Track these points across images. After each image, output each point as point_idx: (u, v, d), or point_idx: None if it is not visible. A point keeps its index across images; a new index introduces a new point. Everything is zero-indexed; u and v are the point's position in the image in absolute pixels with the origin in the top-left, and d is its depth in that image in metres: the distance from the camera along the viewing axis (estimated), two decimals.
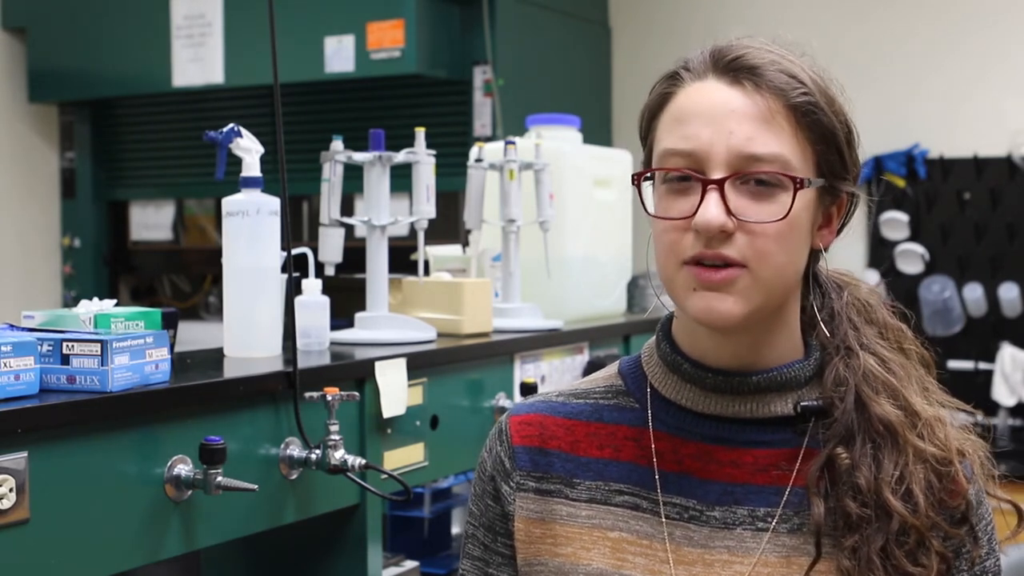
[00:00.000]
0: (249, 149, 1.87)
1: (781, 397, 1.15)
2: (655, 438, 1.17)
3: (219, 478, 1.53)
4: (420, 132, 2.15)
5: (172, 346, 1.69)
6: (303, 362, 1.76)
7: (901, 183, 4.17)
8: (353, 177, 2.14)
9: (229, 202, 1.84)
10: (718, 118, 1.08)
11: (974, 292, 4.06)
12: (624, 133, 4.49)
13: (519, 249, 2.41)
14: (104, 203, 4.70)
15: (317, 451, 1.73)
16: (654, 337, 1.22)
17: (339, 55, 3.77)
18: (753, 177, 1.08)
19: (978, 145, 4.09)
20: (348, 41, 3.76)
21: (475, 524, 1.24)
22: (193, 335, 2.17)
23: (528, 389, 2.18)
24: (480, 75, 3.87)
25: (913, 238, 4.18)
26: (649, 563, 1.13)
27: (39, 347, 1.43)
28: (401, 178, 2.20)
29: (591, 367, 2.48)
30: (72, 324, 1.57)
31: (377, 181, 2.10)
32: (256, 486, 1.57)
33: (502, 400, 2.23)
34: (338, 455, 1.72)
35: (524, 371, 2.32)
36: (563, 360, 2.46)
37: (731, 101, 1.09)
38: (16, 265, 4.59)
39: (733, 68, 1.10)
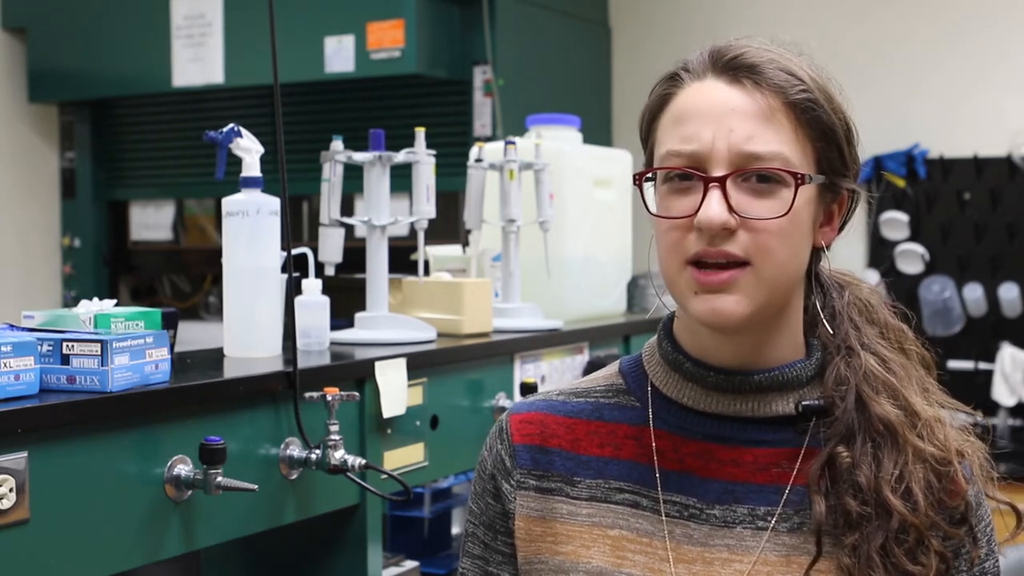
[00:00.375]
0: (249, 149, 1.87)
1: (782, 396, 1.15)
2: (656, 436, 1.17)
3: (219, 478, 1.53)
4: (420, 132, 2.15)
5: (172, 346, 1.69)
6: (303, 362, 1.76)
7: (901, 183, 4.17)
8: (353, 177, 2.14)
9: (229, 202, 1.84)
10: (718, 117, 1.09)
11: (974, 292, 4.06)
12: (624, 133, 4.49)
13: (519, 249, 2.42)
14: (104, 203, 4.70)
15: (317, 451, 1.73)
16: (655, 336, 1.22)
17: (339, 55, 3.77)
18: (754, 174, 1.08)
19: (978, 145, 4.10)
20: (348, 41, 3.76)
21: (475, 522, 1.24)
22: (193, 335, 2.17)
23: (528, 389, 2.18)
24: (480, 75, 3.87)
25: (913, 238, 4.18)
26: (649, 561, 1.13)
27: (39, 347, 1.43)
28: (401, 178, 2.20)
29: (591, 367, 2.48)
30: (72, 324, 1.57)
31: (377, 181, 2.10)
32: (256, 486, 1.57)
33: (502, 400, 2.23)
34: (338, 455, 1.72)
35: (524, 371, 2.32)
36: (563, 360, 2.46)
37: (731, 100, 1.09)
38: (16, 265, 4.59)
39: (732, 67, 1.10)
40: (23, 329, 1.51)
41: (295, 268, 1.80)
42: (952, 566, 1.12)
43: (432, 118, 3.66)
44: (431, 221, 2.14)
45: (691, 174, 1.09)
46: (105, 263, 4.70)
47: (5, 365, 1.36)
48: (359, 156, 2.09)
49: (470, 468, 2.20)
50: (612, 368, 1.25)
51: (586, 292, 2.69)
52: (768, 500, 1.13)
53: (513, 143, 2.39)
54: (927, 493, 1.10)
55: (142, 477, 1.50)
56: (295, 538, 1.90)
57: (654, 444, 1.17)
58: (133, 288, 4.80)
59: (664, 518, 1.14)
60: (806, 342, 1.19)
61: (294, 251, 1.81)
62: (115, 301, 1.67)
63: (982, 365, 4.06)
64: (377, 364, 1.88)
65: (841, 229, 1.18)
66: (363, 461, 1.75)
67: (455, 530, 2.77)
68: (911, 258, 4.17)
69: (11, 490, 1.32)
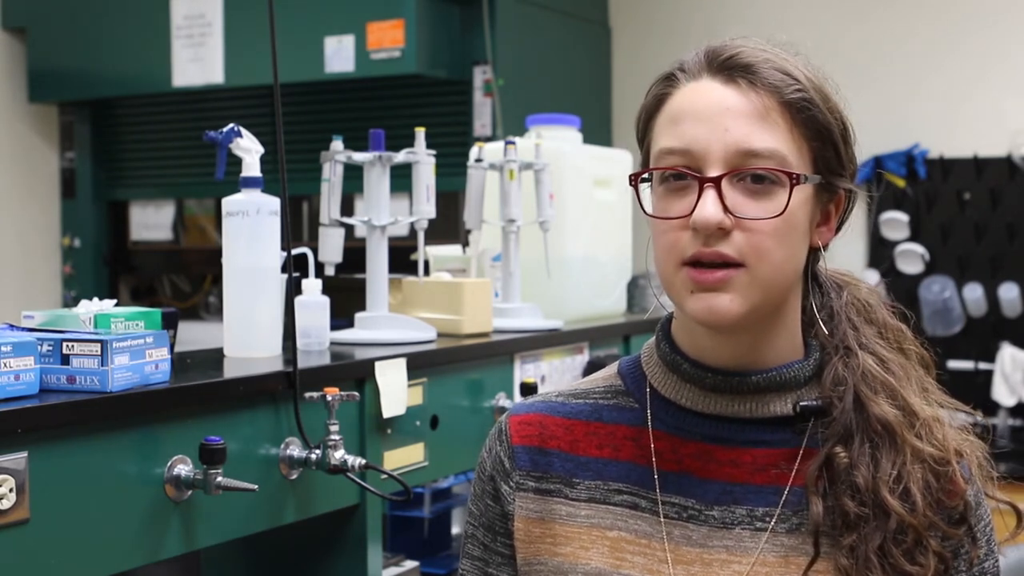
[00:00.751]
0: (249, 149, 1.87)
1: (780, 397, 1.15)
2: (654, 438, 1.17)
3: (219, 478, 1.53)
4: (420, 132, 2.15)
5: (172, 346, 1.69)
6: (303, 362, 1.76)
7: (901, 183, 4.17)
8: (353, 177, 2.14)
9: (229, 202, 1.84)
10: (713, 116, 1.09)
11: (974, 292, 4.06)
12: (624, 133, 4.49)
13: (519, 249, 2.42)
14: (104, 203, 4.70)
15: (317, 451, 1.73)
16: (654, 337, 1.22)
17: (339, 55, 3.77)
18: (749, 174, 1.08)
19: (978, 145, 4.10)
20: (348, 41, 3.76)
21: (475, 524, 1.24)
22: (193, 335, 2.17)
23: (528, 389, 2.18)
24: (480, 75, 3.87)
25: (913, 238, 4.18)
26: (648, 562, 1.13)
27: (39, 347, 1.43)
28: (401, 178, 2.20)
29: (591, 367, 2.48)
30: (72, 324, 1.57)
31: (377, 181, 2.10)
32: (256, 486, 1.57)
33: (502, 400, 2.23)
34: (338, 455, 1.72)
35: (524, 371, 2.32)
36: (563, 360, 2.46)
37: (726, 99, 1.09)
38: (16, 265, 4.59)
39: (727, 67, 1.10)
40: (23, 329, 1.51)
41: (295, 268, 1.80)
42: (951, 566, 1.12)
43: (432, 118, 3.66)
44: (431, 221, 2.14)
45: (686, 174, 1.09)
46: (105, 263, 4.70)
47: (5, 365, 1.36)
48: (359, 156, 2.09)
49: (470, 468, 2.20)
50: (611, 369, 1.25)
51: (586, 292, 2.69)
52: (767, 501, 1.13)
53: (513, 143, 2.39)
54: (925, 493, 1.10)
55: (142, 477, 1.50)
56: (295, 538, 1.90)
57: (652, 445, 1.17)
58: (133, 288, 4.80)
59: (663, 519, 1.14)
60: (805, 342, 1.19)
61: (294, 251, 1.81)
62: (115, 301, 1.67)
63: (982, 365, 4.06)
64: (377, 364, 1.88)
65: (839, 229, 1.18)
66: (363, 461, 1.75)
67: (455, 530, 2.77)
68: (911, 258, 4.17)
69: (11, 490, 1.32)
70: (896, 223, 4.18)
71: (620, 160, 2.85)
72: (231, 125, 1.88)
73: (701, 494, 1.14)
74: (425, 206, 2.13)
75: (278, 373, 1.71)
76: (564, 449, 1.19)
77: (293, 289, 1.79)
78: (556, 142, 2.62)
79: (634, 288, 2.92)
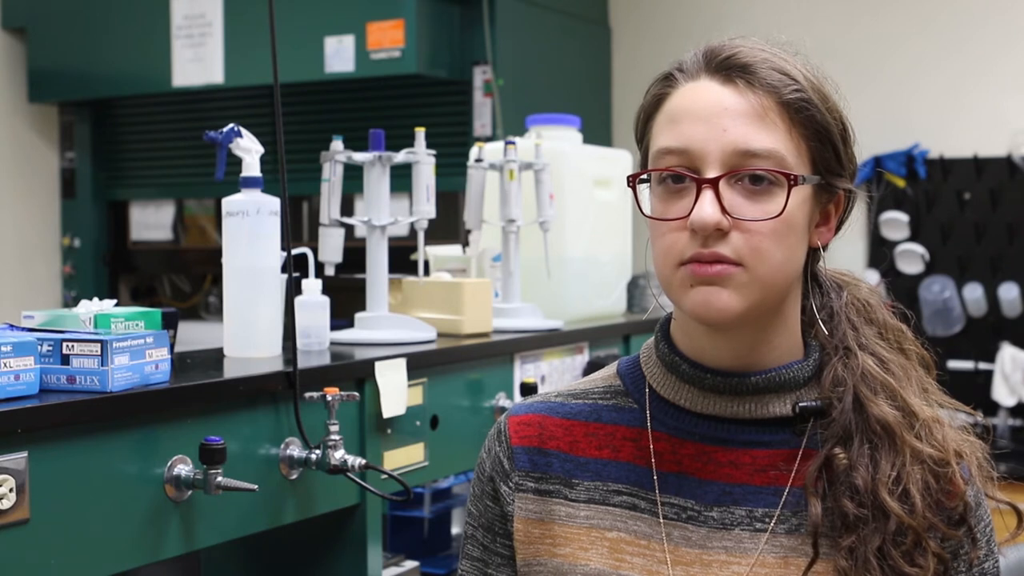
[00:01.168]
0: (249, 149, 1.87)
1: (779, 398, 1.14)
2: (654, 439, 1.17)
3: (219, 478, 1.53)
4: (420, 132, 2.15)
5: (172, 346, 1.69)
6: (303, 362, 1.76)
7: (901, 183, 4.17)
8: (353, 177, 2.14)
9: (229, 202, 1.84)
10: (711, 117, 1.08)
11: (974, 292, 4.06)
12: (624, 133, 4.48)
13: (519, 249, 2.42)
14: (104, 203, 4.70)
15: (317, 451, 1.73)
16: (653, 337, 1.22)
17: (339, 55, 3.77)
18: (747, 175, 1.08)
19: (978, 145, 4.10)
20: (348, 41, 3.76)
21: (474, 525, 1.24)
22: (193, 335, 2.17)
23: (528, 389, 2.18)
24: (480, 75, 3.87)
25: (913, 238, 4.18)
26: (647, 563, 1.13)
27: (39, 347, 1.43)
28: (401, 178, 2.20)
29: (591, 367, 2.48)
30: (72, 324, 1.57)
31: (377, 181, 2.10)
32: (256, 486, 1.57)
33: (502, 400, 2.23)
34: (338, 455, 1.72)
35: (524, 371, 2.32)
36: (563, 360, 2.46)
37: (724, 100, 1.09)
38: (16, 265, 4.59)
39: (725, 67, 1.10)
40: (23, 329, 1.52)
41: (295, 268, 1.80)
42: (951, 567, 1.11)
43: (432, 118, 3.66)
44: (431, 221, 2.14)
45: (684, 175, 1.09)
46: (105, 263, 4.70)
47: (5, 365, 1.36)
48: (359, 156, 2.09)
49: (470, 468, 2.20)
50: (610, 369, 1.25)
51: (586, 292, 2.69)
52: (766, 502, 1.13)
53: (513, 143, 2.39)
54: (925, 494, 1.10)
55: (142, 477, 1.50)
56: (295, 538, 1.90)
57: (652, 446, 1.16)
58: (133, 288, 4.80)
59: (662, 520, 1.14)
60: (804, 342, 1.19)
61: (294, 251, 1.82)
62: (115, 301, 1.67)
63: (982, 365, 4.06)
64: (377, 364, 1.88)
65: (838, 229, 1.18)
66: (363, 461, 1.75)
67: (455, 530, 2.77)
68: (911, 258, 4.16)
69: (11, 490, 1.32)
70: (896, 223, 4.18)
71: (620, 160, 2.85)
72: (231, 125, 1.88)
73: (700, 495, 1.14)
74: (425, 206, 2.13)
75: (278, 373, 1.71)
76: (563, 450, 1.19)
77: (293, 289, 1.79)
78: (556, 142, 2.62)
79: (634, 288, 2.92)
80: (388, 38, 3.69)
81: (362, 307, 2.13)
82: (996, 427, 3.86)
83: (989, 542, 1.16)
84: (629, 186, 1.15)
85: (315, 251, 2.06)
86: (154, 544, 1.52)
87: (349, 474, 1.74)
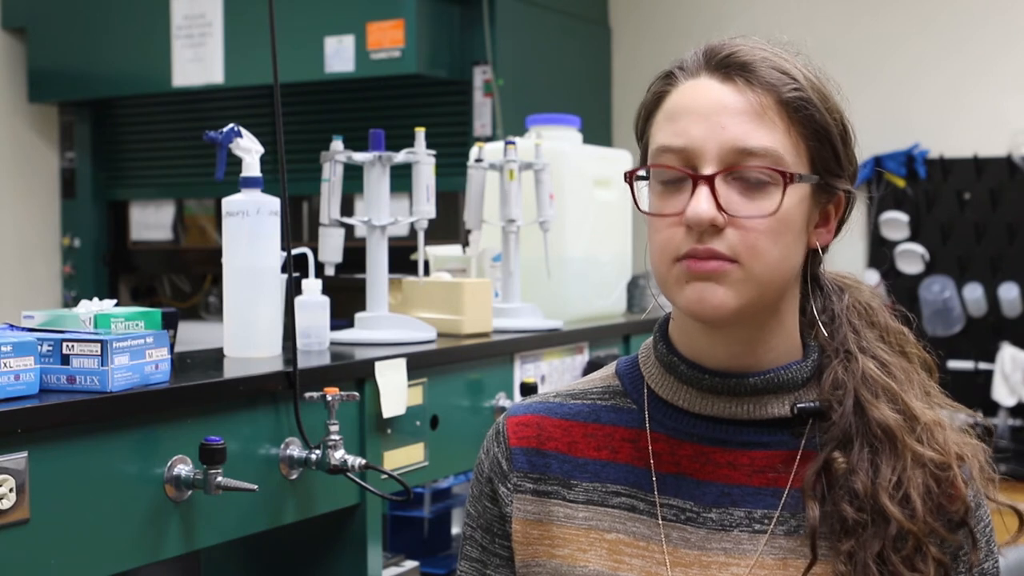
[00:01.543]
0: (249, 149, 1.87)
1: (778, 399, 1.14)
2: (652, 440, 1.17)
3: (219, 478, 1.53)
4: (420, 132, 2.15)
5: (172, 346, 1.69)
6: (303, 362, 1.76)
7: (901, 183, 4.17)
8: (353, 177, 2.14)
9: (229, 202, 1.84)
10: (710, 114, 1.09)
11: (974, 292, 4.06)
12: (624, 133, 4.48)
13: (519, 249, 2.42)
14: (104, 203, 4.70)
15: (317, 451, 1.73)
16: (651, 338, 1.22)
17: (339, 55, 3.77)
18: (744, 172, 1.08)
19: (978, 145, 4.10)
20: (348, 41, 3.76)
21: (473, 525, 1.24)
22: (193, 335, 2.17)
23: (528, 389, 2.18)
24: (480, 75, 3.87)
25: (913, 238, 4.18)
26: (646, 564, 1.13)
27: (39, 347, 1.43)
28: (401, 178, 2.20)
29: (591, 367, 2.48)
30: (72, 324, 1.57)
31: (377, 181, 2.10)
32: (256, 486, 1.57)
33: (502, 400, 2.23)
34: (338, 455, 1.72)
35: (524, 371, 2.32)
36: (563, 360, 2.46)
37: (723, 98, 1.09)
38: (16, 265, 4.59)
39: (725, 65, 1.11)
40: (23, 329, 1.51)
41: (295, 268, 1.80)
42: (951, 569, 1.11)
43: (432, 118, 3.66)
44: (431, 221, 2.14)
45: (681, 171, 1.09)
46: (105, 263, 4.69)
47: (5, 365, 1.36)
48: (359, 156, 2.09)
49: (470, 468, 2.19)
50: (609, 369, 1.25)
51: (586, 292, 2.69)
52: (765, 503, 1.13)
53: (513, 143, 2.39)
54: (926, 499, 1.09)
55: (142, 477, 1.50)
56: (295, 538, 1.90)
57: (650, 447, 1.16)
58: (133, 288, 4.80)
59: (661, 522, 1.14)
60: (803, 343, 1.18)
61: (294, 251, 1.81)
62: (115, 301, 1.67)
63: (982, 365, 4.06)
64: (377, 364, 1.88)
65: (838, 231, 1.18)
66: (363, 461, 1.75)
67: (455, 530, 2.77)
68: (911, 258, 4.16)
69: (11, 490, 1.32)
70: (896, 223, 4.18)
71: (620, 160, 2.85)
72: (231, 125, 1.88)
73: (699, 496, 1.14)
74: (425, 206, 2.13)
75: (278, 373, 1.71)
76: (562, 450, 1.19)
77: (293, 289, 1.79)
78: (556, 142, 2.62)
79: (634, 288, 2.92)
80: (388, 38, 3.69)
81: (362, 307, 2.13)
82: (996, 427, 3.86)
83: (989, 542, 1.16)
84: (627, 182, 1.15)
85: (315, 251, 2.06)
86: (154, 544, 1.52)
87: (349, 474, 1.74)
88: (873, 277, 4.12)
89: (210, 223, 4.58)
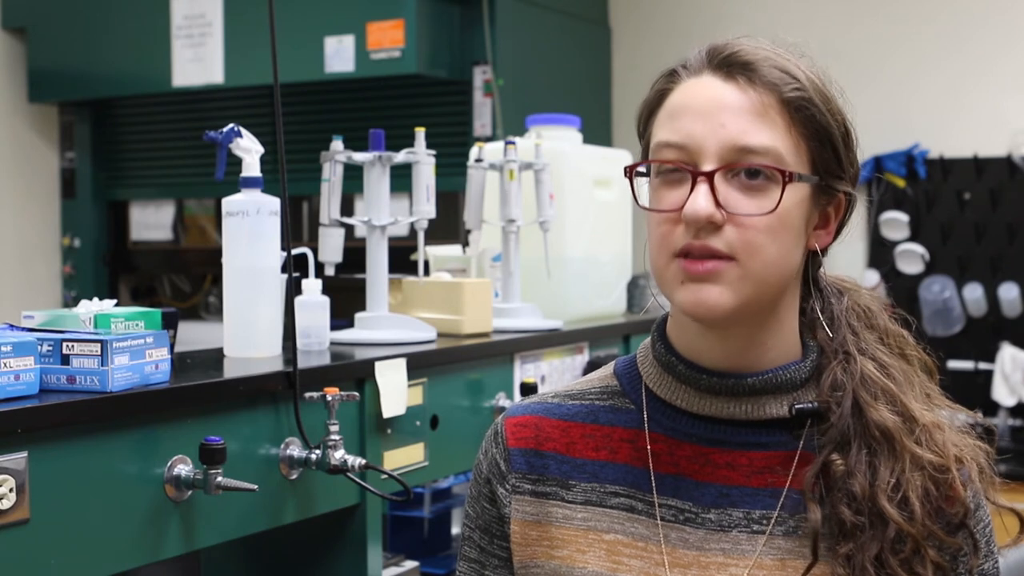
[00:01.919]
0: (249, 149, 1.87)
1: (776, 399, 1.14)
2: (651, 440, 1.17)
3: (219, 478, 1.53)
4: (420, 132, 2.15)
5: (172, 346, 1.69)
6: (303, 362, 1.76)
7: (901, 183, 4.17)
8: (353, 177, 2.14)
9: (229, 202, 1.84)
10: (711, 112, 1.09)
11: (974, 292, 4.06)
12: (624, 133, 4.49)
13: (519, 249, 2.42)
14: (104, 203, 4.70)
15: (317, 451, 1.73)
16: (649, 337, 1.22)
17: (339, 55, 3.77)
18: (744, 169, 1.08)
19: (978, 145, 4.10)
20: (348, 41, 3.76)
21: (471, 526, 1.24)
22: (193, 335, 2.17)
23: (528, 389, 2.18)
24: (480, 75, 3.87)
25: (913, 238, 4.18)
26: (645, 565, 1.13)
27: (39, 347, 1.43)
28: (401, 178, 2.20)
29: (591, 367, 2.48)
30: (72, 324, 1.57)
31: (377, 181, 2.10)
32: (256, 486, 1.57)
33: (502, 400, 2.23)
34: (338, 455, 1.72)
35: (524, 371, 2.32)
36: (563, 360, 2.46)
37: (724, 96, 1.09)
38: (16, 265, 4.59)
39: (727, 64, 1.11)
40: (23, 329, 1.52)
41: (295, 268, 1.80)
42: (950, 571, 1.11)
43: (432, 118, 3.66)
44: (431, 221, 2.14)
45: (680, 167, 1.09)
46: (105, 263, 4.70)
47: (5, 365, 1.36)
48: (359, 156, 2.09)
49: (470, 468, 2.19)
50: (607, 369, 1.25)
51: (586, 292, 2.69)
52: (763, 504, 1.13)
53: (513, 143, 2.39)
54: (925, 501, 1.09)
55: (142, 477, 1.50)
56: (295, 538, 1.91)
57: (649, 447, 1.16)
58: (133, 288, 4.80)
59: (659, 522, 1.14)
60: (803, 343, 1.18)
61: (294, 251, 1.82)
62: (115, 301, 1.67)
63: (982, 365, 4.06)
64: (377, 364, 1.88)
65: (838, 233, 1.18)
66: (363, 461, 1.75)
67: (455, 530, 2.77)
68: (911, 258, 4.16)
69: (11, 490, 1.32)
70: (896, 223, 4.18)
71: (620, 160, 2.85)
72: (231, 125, 1.88)
73: (698, 497, 1.14)
74: (425, 206, 2.13)
75: (278, 373, 1.71)
76: (560, 451, 1.19)
77: (293, 289, 1.79)
78: (556, 142, 2.62)
79: (634, 288, 2.92)
80: (388, 38, 3.69)
81: (362, 307, 2.13)
82: (996, 427, 3.86)
83: (988, 543, 1.15)
84: (626, 176, 1.15)
85: (315, 251, 2.06)
86: (154, 544, 1.52)
87: (349, 474, 1.74)
88: (873, 277, 4.12)
89: (210, 223, 4.58)
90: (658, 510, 1.14)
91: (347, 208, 2.38)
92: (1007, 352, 4.01)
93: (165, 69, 4.13)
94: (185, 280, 4.77)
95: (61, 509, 1.39)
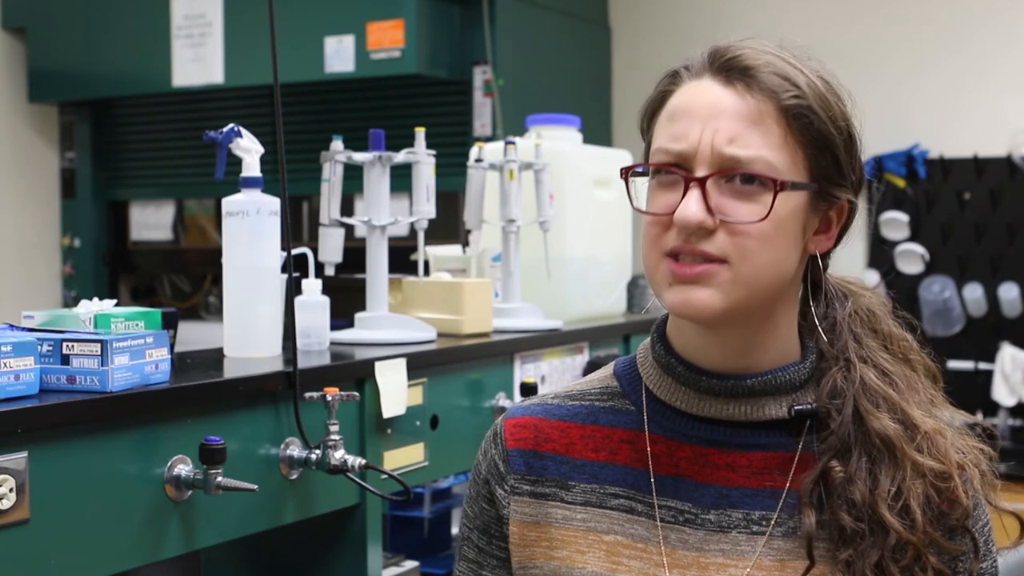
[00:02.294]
0: (249, 149, 1.87)
1: (775, 400, 1.14)
2: (650, 441, 1.17)
3: (219, 478, 1.53)
4: (420, 132, 2.15)
5: (172, 346, 1.69)
6: (303, 362, 1.76)
7: (901, 183, 4.17)
8: (353, 177, 2.14)
9: (229, 202, 1.84)
10: (707, 117, 1.09)
11: (974, 292, 4.06)
12: (624, 133, 4.49)
13: (519, 249, 2.42)
14: (104, 203, 4.70)
15: (317, 451, 1.73)
16: (649, 338, 1.22)
17: (339, 55, 3.77)
18: (739, 175, 1.08)
19: (978, 145, 4.09)
20: (348, 41, 3.76)
21: (470, 527, 1.24)
22: (193, 335, 2.17)
23: (528, 389, 2.18)
24: (480, 75, 3.87)
25: (913, 238, 4.18)
26: (644, 566, 1.13)
27: (39, 347, 1.43)
28: (401, 178, 2.20)
29: (591, 367, 2.48)
30: (72, 324, 1.57)
31: (377, 181, 2.10)
32: (256, 486, 1.57)
33: (502, 400, 2.23)
34: (338, 455, 1.72)
35: (524, 371, 2.32)
36: (563, 360, 2.46)
37: (722, 101, 1.09)
38: (16, 265, 4.59)
39: (727, 68, 1.11)
40: (23, 329, 1.52)
41: (295, 268, 1.80)
42: (952, 572, 1.11)
43: (432, 118, 3.66)
44: (431, 221, 2.14)
45: (673, 172, 1.09)
46: (105, 263, 4.70)
47: (5, 365, 1.36)
48: (359, 156, 2.09)
49: (470, 468, 2.18)
50: (607, 370, 1.25)
51: (586, 292, 2.69)
52: (763, 504, 1.13)
53: (513, 143, 2.39)
54: (926, 509, 1.09)
55: (142, 477, 1.50)
56: (295, 538, 1.91)
57: (649, 449, 1.16)
58: (133, 288, 4.80)
59: (659, 523, 1.14)
60: (802, 344, 1.18)
61: (294, 251, 1.82)
62: (115, 301, 1.67)
63: (982, 365, 4.06)
64: (377, 364, 1.88)
65: (839, 239, 1.17)
66: (363, 461, 1.75)
67: (455, 530, 2.77)
68: (911, 258, 4.16)
69: (11, 490, 1.32)
70: (896, 223, 4.18)
71: (620, 160, 2.85)
72: (231, 125, 1.88)
73: (697, 498, 1.14)
74: (425, 206, 2.13)
75: (278, 373, 1.71)
76: (559, 452, 1.19)
77: (293, 289, 1.79)
78: (556, 142, 2.62)
79: (634, 288, 2.92)
80: (388, 38, 3.69)
81: (362, 307, 2.13)
82: (996, 427, 3.86)
83: (987, 541, 1.15)
84: (622, 178, 1.15)
85: (315, 251, 2.06)
86: (154, 544, 1.52)
87: (349, 474, 1.74)
88: (873, 277, 4.12)
89: (210, 223, 4.58)
90: (657, 511, 1.14)
91: (347, 208, 2.38)
92: (1007, 352, 4.01)
93: (165, 69, 4.13)
94: (185, 280, 4.77)
95: (61, 509, 1.39)
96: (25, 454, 1.34)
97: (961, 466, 1.12)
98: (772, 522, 1.12)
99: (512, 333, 2.33)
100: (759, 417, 1.14)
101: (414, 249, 2.21)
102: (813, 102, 1.10)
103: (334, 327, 2.05)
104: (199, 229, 4.63)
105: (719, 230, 1.07)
